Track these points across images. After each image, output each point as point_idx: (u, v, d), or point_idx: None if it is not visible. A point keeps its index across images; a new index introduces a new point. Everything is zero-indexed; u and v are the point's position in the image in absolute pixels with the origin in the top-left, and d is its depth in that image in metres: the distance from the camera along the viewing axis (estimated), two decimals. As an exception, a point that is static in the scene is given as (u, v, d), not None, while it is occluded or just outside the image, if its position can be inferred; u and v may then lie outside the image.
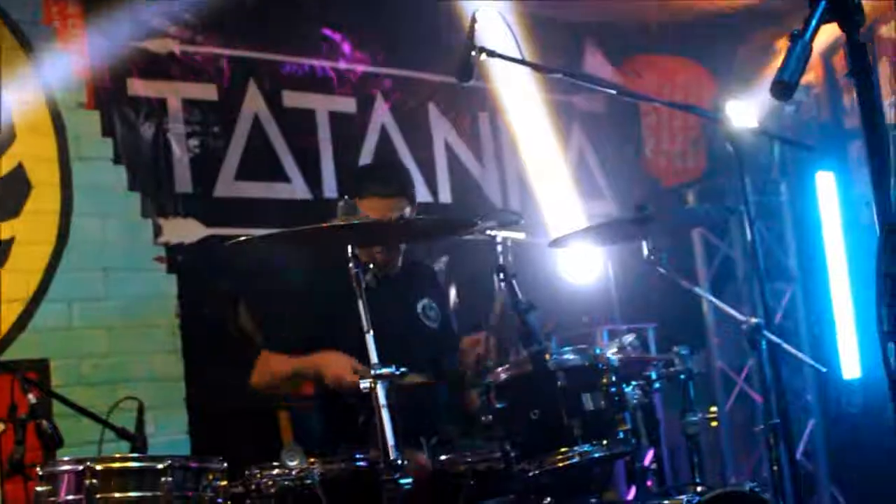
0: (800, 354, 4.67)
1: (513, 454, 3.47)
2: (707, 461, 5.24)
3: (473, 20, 3.86)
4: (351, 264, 3.24)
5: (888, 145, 1.89)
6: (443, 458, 3.69)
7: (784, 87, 1.85)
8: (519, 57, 4.08)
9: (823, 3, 1.83)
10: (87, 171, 4.70)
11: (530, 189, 6.24)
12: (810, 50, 1.87)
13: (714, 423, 4.03)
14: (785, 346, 4.37)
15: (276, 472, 3.34)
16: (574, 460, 3.39)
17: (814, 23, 1.85)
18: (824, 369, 4.81)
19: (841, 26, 1.89)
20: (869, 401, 6.66)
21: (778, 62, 1.98)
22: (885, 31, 6.67)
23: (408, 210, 4.16)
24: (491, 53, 3.87)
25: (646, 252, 4.28)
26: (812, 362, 4.72)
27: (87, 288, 4.62)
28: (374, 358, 3.16)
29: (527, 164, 6.24)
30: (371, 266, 3.98)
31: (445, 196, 5.89)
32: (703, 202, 6.38)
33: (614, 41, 6.71)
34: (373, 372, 3.09)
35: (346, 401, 3.65)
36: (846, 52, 1.91)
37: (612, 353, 3.70)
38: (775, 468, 4.09)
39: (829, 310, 6.78)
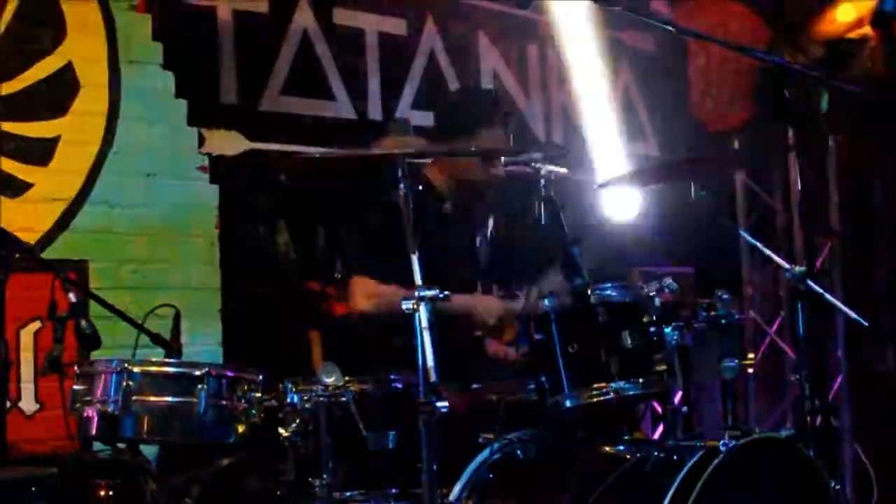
0: (843, 307, 4.69)
1: (547, 387, 3.51)
2: (739, 410, 5.30)
3: None
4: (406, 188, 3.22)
5: None
6: (475, 386, 3.72)
7: (885, 16, 1.86)
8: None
9: None
10: (136, 75, 4.69)
11: (575, 124, 6.20)
12: None
13: (751, 371, 4.06)
14: (828, 296, 4.39)
15: (310, 387, 3.34)
16: (609, 396, 3.42)
17: None
18: (866, 324, 4.81)
19: None
20: None
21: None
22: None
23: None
24: None
25: (693, 192, 4.31)
26: (854, 315, 4.72)
27: (130, 192, 4.63)
28: (419, 279, 3.13)
29: (572, 99, 6.20)
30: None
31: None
32: (748, 151, 6.37)
33: None
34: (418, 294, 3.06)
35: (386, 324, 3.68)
36: None
37: (653, 292, 3.69)
38: (809, 419, 4.15)
39: (872, 271, 6.78)
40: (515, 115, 4.50)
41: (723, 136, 6.67)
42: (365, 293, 4.02)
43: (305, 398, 3.33)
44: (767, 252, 4.47)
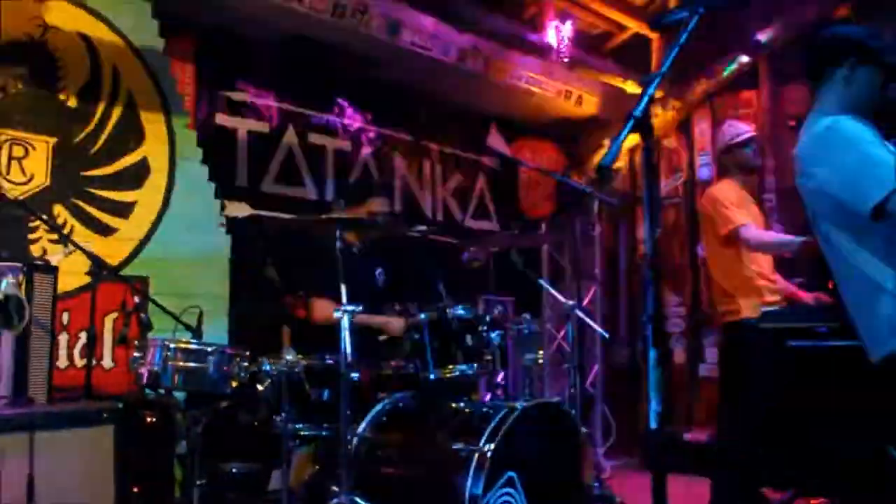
0: (594, 325, 4.88)
1: (419, 366, 3.54)
2: (535, 385, 5.36)
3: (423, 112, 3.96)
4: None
5: (659, 204, 2.00)
6: (374, 365, 3.68)
7: (603, 169, 1.91)
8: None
9: (630, 123, 1.78)
10: (185, 166, 4.64)
11: (450, 210, 6.23)
12: (620, 149, 1.85)
13: (540, 361, 4.14)
14: (586, 318, 4.58)
15: (277, 360, 3.35)
16: (456, 374, 3.48)
17: (624, 133, 1.80)
18: (607, 335, 4.99)
19: (640, 137, 1.84)
20: (629, 357, 6.88)
21: (602, 153, 2.06)
22: (666, 142, 6.85)
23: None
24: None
25: (513, 257, 4.43)
26: (601, 330, 4.90)
27: (176, 237, 4.54)
28: (345, 299, 3.17)
29: (448, 195, 6.22)
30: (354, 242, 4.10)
31: (398, 207, 5.86)
32: (550, 231, 6.48)
33: (509, 126, 6.64)
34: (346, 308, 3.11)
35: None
36: (642, 150, 1.97)
37: (488, 311, 3.81)
38: (573, 390, 4.30)
39: (619, 302, 6.95)
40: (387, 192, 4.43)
41: (536, 221, 6.67)
42: (321, 308, 3.93)
43: (273, 367, 3.34)
44: (553, 291, 4.60)
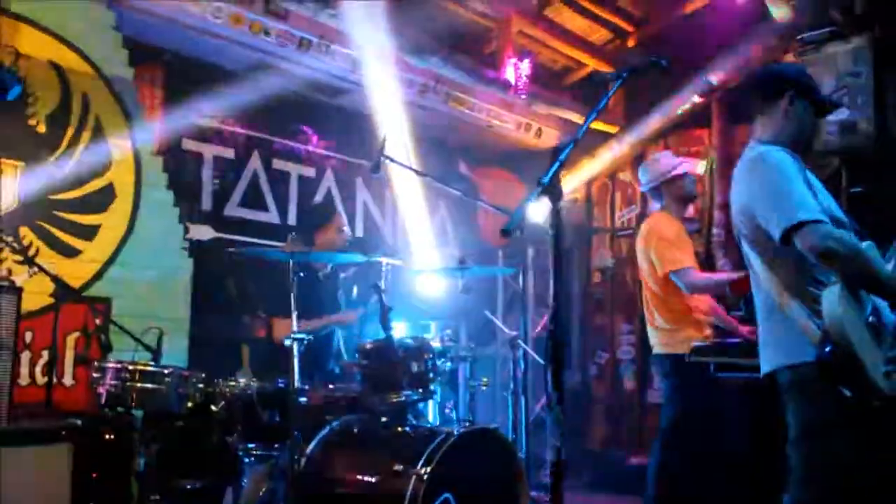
0: (534, 354, 4.97)
1: (366, 390, 3.63)
2: (486, 409, 5.45)
3: (384, 139, 4.14)
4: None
5: (562, 248, 2.12)
6: (324, 389, 3.77)
7: (506, 233, 1.97)
8: (407, 164, 4.32)
9: (537, 190, 1.94)
10: (150, 191, 4.76)
11: (410, 235, 6.36)
12: (523, 216, 2.03)
13: (485, 388, 4.28)
14: (527, 349, 4.75)
15: (231, 383, 3.47)
16: (402, 399, 3.57)
17: (530, 199, 1.96)
18: (542, 362, 5.08)
19: (549, 201, 1.99)
20: (580, 382, 7.10)
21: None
22: (621, 175, 7.13)
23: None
24: (392, 160, 4.16)
25: (460, 285, 4.57)
26: (536, 356, 4.91)
27: (140, 259, 4.65)
28: (295, 326, 3.30)
29: (409, 221, 6.36)
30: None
31: (359, 232, 6.02)
32: (506, 261, 6.68)
33: (471, 157, 6.84)
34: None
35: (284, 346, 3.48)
36: (551, 214, 1.99)
37: (433, 340, 3.80)
38: (515, 415, 4.46)
39: (567, 329, 7.13)
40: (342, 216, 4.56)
41: (495, 248, 6.80)
42: (282, 328, 3.89)
43: (228, 389, 3.45)
44: (497, 322, 4.77)
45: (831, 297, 2.27)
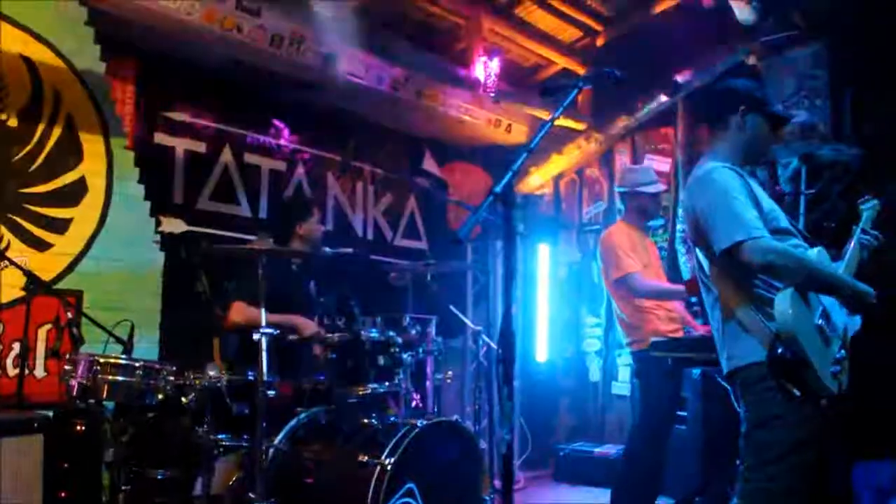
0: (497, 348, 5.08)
1: (334, 383, 3.70)
2: (455, 403, 5.54)
3: (352, 146, 4.22)
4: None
5: (517, 251, 2.23)
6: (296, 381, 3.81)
7: (458, 241, 2.08)
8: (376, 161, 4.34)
9: (489, 199, 2.03)
10: (122, 185, 4.78)
11: (380, 229, 6.46)
12: (476, 223, 2.08)
13: (449, 381, 4.38)
14: (490, 343, 4.89)
15: (201, 375, 3.52)
16: (369, 391, 3.67)
17: (483, 207, 2.03)
18: (500, 351, 5.21)
19: (503, 207, 2.10)
20: (547, 374, 7.24)
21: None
22: (588, 171, 7.28)
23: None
24: (359, 166, 4.25)
25: (429, 278, 4.66)
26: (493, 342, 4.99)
27: (112, 253, 4.67)
28: (264, 316, 3.31)
29: (379, 214, 6.45)
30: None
31: (329, 226, 6.02)
32: (474, 254, 6.78)
33: (441, 151, 6.90)
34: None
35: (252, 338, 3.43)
36: (504, 221, 2.11)
37: (400, 333, 3.89)
38: (477, 407, 4.60)
39: (534, 322, 7.31)
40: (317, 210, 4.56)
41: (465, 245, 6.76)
42: (236, 311, 4.04)
43: (198, 381, 3.51)
44: (461, 316, 4.87)
45: (783, 300, 2.41)
